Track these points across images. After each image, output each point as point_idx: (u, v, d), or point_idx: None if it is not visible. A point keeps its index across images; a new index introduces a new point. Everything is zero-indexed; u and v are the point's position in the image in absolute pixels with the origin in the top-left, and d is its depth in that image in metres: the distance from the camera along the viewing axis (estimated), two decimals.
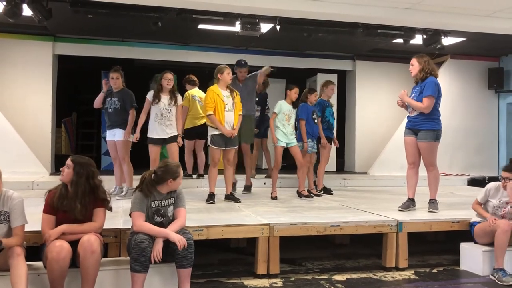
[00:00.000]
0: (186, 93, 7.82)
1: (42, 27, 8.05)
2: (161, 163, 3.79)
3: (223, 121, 5.79)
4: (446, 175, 9.41)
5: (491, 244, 4.43)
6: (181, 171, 3.73)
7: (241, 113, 6.02)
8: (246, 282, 4.18)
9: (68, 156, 3.65)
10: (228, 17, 6.88)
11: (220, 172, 6.07)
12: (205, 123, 6.23)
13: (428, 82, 5.14)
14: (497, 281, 4.24)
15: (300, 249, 5.19)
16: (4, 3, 6.13)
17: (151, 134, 6.05)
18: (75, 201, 3.45)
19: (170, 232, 3.49)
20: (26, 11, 6.29)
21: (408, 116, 5.39)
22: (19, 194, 3.44)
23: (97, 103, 6.42)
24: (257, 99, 7.19)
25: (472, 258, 4.60)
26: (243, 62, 6.78)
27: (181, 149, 6.70)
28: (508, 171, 4.49)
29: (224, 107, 5.81)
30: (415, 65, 5.28)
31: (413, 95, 5.29)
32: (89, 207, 3.51)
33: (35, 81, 8.86)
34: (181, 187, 3.80)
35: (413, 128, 5.29)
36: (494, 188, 4.65)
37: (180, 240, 3.42)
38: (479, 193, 4.75)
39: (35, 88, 8.86)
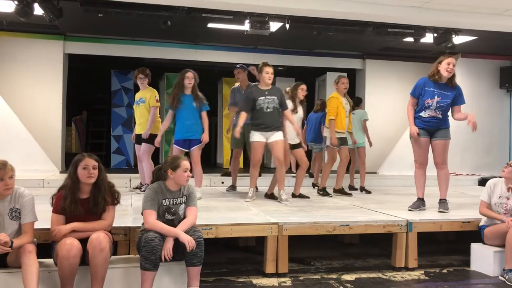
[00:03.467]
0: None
1: (53, 26, 8.12)
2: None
3: (344, 125, 6.59)
4: (457, 175, 9.34)
5: (501, 246, 4.38)
6: (183, 163, 3.64)
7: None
8: (255, 281, 4.18)
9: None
10: (237, 16, 6.88)
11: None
12: None
13: (461, 91, 5.16)
14: (507, 282, 4.20)
15: (309, 248, 5.19)
16: (16, 2, 6.18)
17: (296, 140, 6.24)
18: (97, 198, 3.48)
19: (181, 232, 3.48)
20: (37, 10, 6.35)
21: (423, 117, 5.20)
22: (30, 191, 3.47)
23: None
24: None
25: (483, 258, 4.56)
26: (238, 66, 6.89)
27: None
28: None
29: (346, 113, 6.58)
30: (454, 67, 5.10)
31: (439, 98, 5.07)
32: (105, 204, 3.55)
33: (45, 80, 8.94)
34: (193, 186, 3.80)
35: (430, 128, 5.20)
36: (493, 184, 4.61)
37: (189, 242, 3.42)
38: (482, 194, 4.66)
39: (46, 86, 8.94)
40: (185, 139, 5.83)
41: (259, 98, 5.76)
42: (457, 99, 5.16)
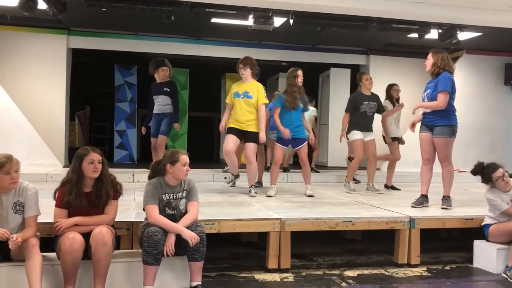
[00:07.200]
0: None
1: (57, 21, 8.11)
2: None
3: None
4: (460, 172, 9.29)
5: (505, 243, 4.37)
6: (182, 157, 3.62)
7: None
8: (257, 276, 4.19)
9: None
10: (241, 11, 6.86)
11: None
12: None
13: (441, 78, 5.12)
14: (509, 279, 4.18)
15: (311, 244, 5.18)
16: None
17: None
18: (100, 191, 3.49)
19: (183, 229, 3.47)
20: (41, 4, 6.35)
21: (424, 113, 5.34)
22: (34, 185, 3.48)
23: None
24: None
25: (486, 256, 4.55)
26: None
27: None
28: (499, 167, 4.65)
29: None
30: (430, 60, 5.27)
31: (428, 91, 5.25)
32: (107, 198, 3.55)
33: (49, 74, 8.94)
34: (194, 181, 3.80)
35: (429, 124, 5.24)
36: (495, 195, 4.57)
37: (192, 239, 3.42)
38: (497, 206, 4.50)
39: (49, 81, 8.94)
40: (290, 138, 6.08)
41: (364, 103, 6.58)
42: (437, 85, 5.14)
